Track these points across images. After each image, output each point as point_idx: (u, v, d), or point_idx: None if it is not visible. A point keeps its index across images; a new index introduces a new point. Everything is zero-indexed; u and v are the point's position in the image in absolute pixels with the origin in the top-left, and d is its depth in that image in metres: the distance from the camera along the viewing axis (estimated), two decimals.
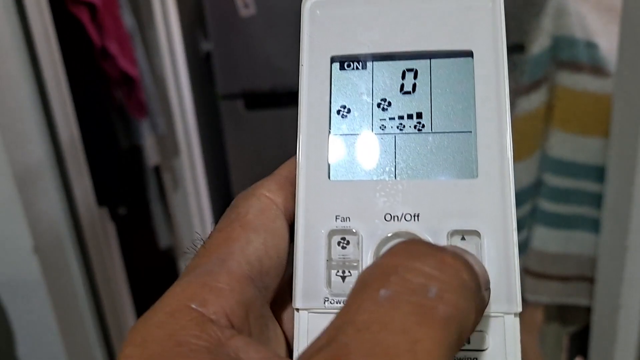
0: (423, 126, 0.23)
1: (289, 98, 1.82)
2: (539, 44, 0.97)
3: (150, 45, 1.61)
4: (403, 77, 0.24)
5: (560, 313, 1.11)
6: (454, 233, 0.22)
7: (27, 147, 0.93)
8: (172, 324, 0.19)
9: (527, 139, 1.01)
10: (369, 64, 0.24)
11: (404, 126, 0.23)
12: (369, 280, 0.17)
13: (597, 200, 0.97)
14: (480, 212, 0.22)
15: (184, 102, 1.77)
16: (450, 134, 0.23)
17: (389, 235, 0.22)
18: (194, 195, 1.82)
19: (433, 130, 0.23)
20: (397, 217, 0.22)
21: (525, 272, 1.06)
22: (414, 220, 0.22)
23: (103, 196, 1.27)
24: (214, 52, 1.83)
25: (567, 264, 1.03)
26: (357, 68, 0.24)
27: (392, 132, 0.23)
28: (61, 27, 1.11)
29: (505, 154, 0.22)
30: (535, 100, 0.99)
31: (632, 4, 0.83)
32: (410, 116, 0.23)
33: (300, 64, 0.24)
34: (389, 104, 0.24)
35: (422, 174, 0.23)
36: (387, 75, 0.24)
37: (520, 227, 1.01)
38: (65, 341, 0.98)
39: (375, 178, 0.23)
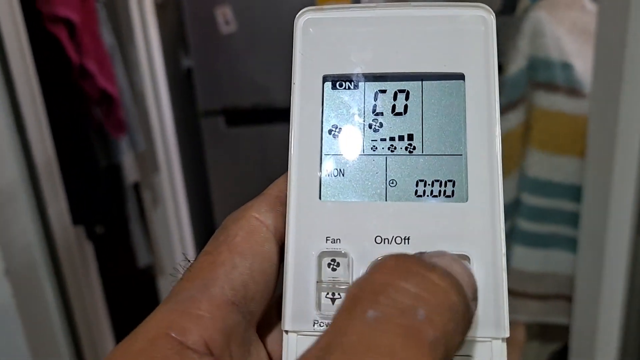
0: (414, 148, 0.23)
1: (270, 115, 1.82)
2: (516, 65, 0.98)
3: (131, 62, 1.60)
4: (395, 98, 0.24)
5: (541, 332, 1.11)
6: None
7: (0, 168, 0.91)
8: (152, 351, 0.19)
9: (505, 158, 1.01)
10: (361, 84, 0.24)
11: (395, 147, 0.23)
12: (357, 298, 0.17)
13: (574, 219, 0.97)
14: (470, 236, 0.22)
15: (164, 119, 1.76)
16: (441, 156, 0.23)
17: (379, 258, 0.22)
18: (173, 213, 1.80)
19: (424, 153, 0.23)
20: (388, 240, 0.22)
21: None
22: (404, 243, 0.22)
23: (80, 215, 1.24)
24: (194, 69, 1.82)
25: (545, 283, 1.03)
26: (349, 88, 0.24)
27: (383, 153, 0.23)
28: (38, 45, 1.10)
29: (495, 179, 0.22)
30: (512, 121, 1.00)
31: (606, 26, 0.84)
32: (401, 137, 0.23)
33: (292, 82, 0.24)
34: (381, 124, 0.24)
35: (413, 197, 0.23)
36: (379, 95, 0.24)
37: None
38: None
39: (366, 200, 0.23)
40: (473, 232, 0.22)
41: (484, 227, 0.22)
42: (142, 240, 1.63)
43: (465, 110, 0.23)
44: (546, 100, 0.98)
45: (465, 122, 0.23)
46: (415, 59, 0.23)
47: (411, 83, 0.24)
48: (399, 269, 0.17)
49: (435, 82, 0.24)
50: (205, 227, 2.01)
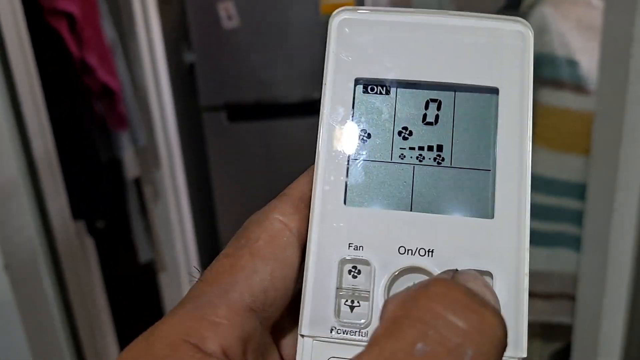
0: (443, 159, 0.23)
1: (272, 110, 1.82)
2: None
3: (132, 56, 1.59)
4: (426, 107, 0.23)
5: (543, 331, 1.11)
6: None
7: (0, 162, 0.91)
8: (175, 358, 0.19)
9: None
10: (393, 90, 0.24)
11: (423, 157, 0.23)
12: (402, 323, 0.17)
13: (578, 217, 0.97)
14: (494, 253, 0.22)
15: (166, 114, 1.75)
16: (469, 170, 0.23)
17: (402, 269, 0.22)
18: (175, 208, 1.79)
19: (452, 165, 0.23)
20: (412, 251, 0.22)
21: None
22: (428, 255, 0.22)
23: (80, 210, 1.24)
24: (197, 64, 1.82)
25: (549, 282, 1.03)
26: (380, 93, 0.24)
27: (411, 162, 0.23)
28: (38, 39, 1.09)
29: (523, 197, 0.22)
30: None
31: (612, 22, 0.83)
32: (430, 148, 0.23)
33: (323, 82, 0.24)
34: (410, 133, 0.23)
35: (439, 209, 0.23)
36: (410, 103, 0.23)
37: None
38: None
39: (391, 208, 0.23)
40: (497, 250, 0.22)
41: (508, 246, 0.22)
42: (143, 235, 1.63)
43: (496, 126, 0.23)
44: (551, 97, 0.97)
45: (496, 137, 0.23)
46: (449, 69, 0.23)
47: (444, 93, 0.23)
48: (448, 299, 0.17)
49: (468, 94, 0.23)
50: (207, 223, 2.01)
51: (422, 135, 0.23)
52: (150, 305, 1.81)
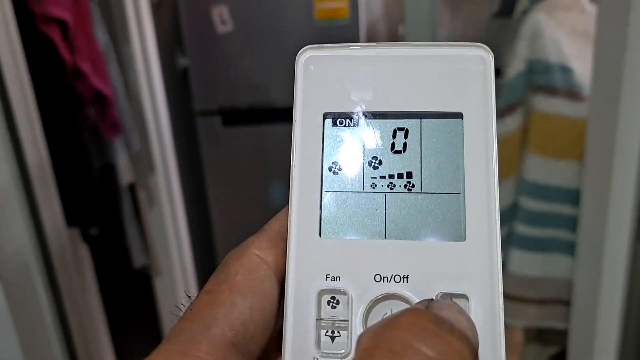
0: (413, 186, 0.24)
1: (267, 115, 1.81)
2: (514, 68, 0.97)
3: (125, 61, 1.58)
4: (394, 135, 0.24)
5: (539, 335, 1.11)
6: (442, 296, 0.22)
7: None
8: None
9: (502, 162, 1.01)
10: (361, 122, 0.24)
11: (394, 185, 0.24)
12: (373, 354, 0.17)
13: (572, 223, 0.97)
14: (468, 275, 0.22)
15: (160, 119, 1.74)
16: (439, 194, 0.23)
17: (379, 296, 0.22)
18: (169, 214, 1.79)
19: (423, 191, 0.24)
20: (387, 278, 0.22)
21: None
22: (404, 281, 0.22)
23: (74, 217, 1.23)
24: (190, 68, 1.81)
25: (544, 287, 1.03)
26: (349, 125, 0.24)
27: (383, 190, 0.24)
28: (30, 45, 1.08)
29: (492, 218, 0.22)
30: (510, 124, 0.99)
31: (606, 28, 0.83)
32: (400, 175, 0.24)
33: (293, 119, 0.24)
34: (380, 162, 0.24)
35: (412, 235, 0.23)
36: (378, 133, 0.24)
37: None
38: None
39: (366, 237, 0.23)
40: (471, 272, 0.22)
41: (481, 267, 0.22)
42: (138, 241, 1.62)
43: (463, 149, 0.23)
44: (545, 104, 0.97)
45: (464, 160, 0.23)
46: (414, 98, 0.24)
47: (410, 121, 0.24)
48: (417, 328, 0.17)
49: (434, 120, 0.24)
50: (202, 228, 2.00)
51: (392, 164, 0.24)
52: (145, 310, 1.80)
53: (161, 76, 1.76)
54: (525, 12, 1.00)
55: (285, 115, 1.79)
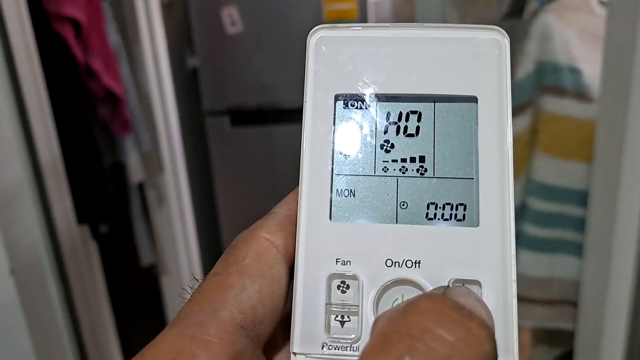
0: (425, 170, 0.23)
1: (275, 115, 1.82)
2: (524, 69, 0.97)
3: (136, 61, 1.60)
4: (407, 119, 0.23)
5: (547, 336, 1.11)
6: (455, 282, 0.22)
7: (5, 167, 0.91)
8: None
9: None
10: (373, 104, 0.24)
11: (406, 169, 0.23)
12: (391, 339, 0.17)
13: (580, 224, 0.97)
14: (481, 261, 0.22)
15: (169, 119, 1.76)
16: (452, 179, 0.23)
17: (390, 281, 0.22)
18: (178, 213, 1.80)
19: (435, 175, 0.23)
20: (399, 264, 0.22)
21: None
22: (415, 267, 0.22)
23: (84, 214, 1.24)
24: (200, 69, 1.82)
25: (551, 288, 1.03)
26: (361, 108, 0.24)
27: (395, 174, 0.23)
28: (44, 44, 1.10)
29: (506, 203, 0.22)
30: (519, 125, 0.99)
31: (615, 30, 0.84)
32: (413, 159, 0.23)
33: (304, 100, 0.24)
34: (392, 145, 0.23)
35: (424, 220, 0.23)
36: (391, 116, 0.24)
37: None
38: None
39: (377, 222, 0.23)
40: (484, 258, 0.22)
41: (494, 253, 0.22)
42: (146, 239, 1.64)
43: (477, 134, 0.23)
44: (554, 105, 0.97)
45: (477, 145, 0.23)
46: (428, 81, 0.23)
47: (423, 104, 0.23)
48: (435, 313, 0.17)
49: (447, 104, 0.23)
50: (209, 227, 2.01)
51: (404, 147, 0.23)
52: (152, 307, 1.81)
53: (171, 76, 1.77)
54: (534, 14, 1.00)
55: (293, 116, 1.80)
